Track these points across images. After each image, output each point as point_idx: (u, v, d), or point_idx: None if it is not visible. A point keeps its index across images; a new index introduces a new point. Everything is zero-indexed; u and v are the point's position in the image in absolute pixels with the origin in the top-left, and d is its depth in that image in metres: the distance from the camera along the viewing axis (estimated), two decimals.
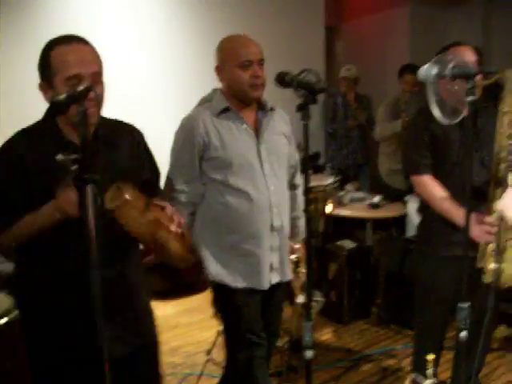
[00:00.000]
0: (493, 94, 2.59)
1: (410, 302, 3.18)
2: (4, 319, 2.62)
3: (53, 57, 2.00)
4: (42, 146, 2.00)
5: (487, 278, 2.54)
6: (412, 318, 3.24)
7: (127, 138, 2.27)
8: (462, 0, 7.29)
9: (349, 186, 5.61)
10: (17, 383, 2.65)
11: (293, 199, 2.95)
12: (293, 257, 3.04)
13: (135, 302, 2.32)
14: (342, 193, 5.28)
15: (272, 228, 2.73)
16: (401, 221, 5.10)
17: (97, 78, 2.03)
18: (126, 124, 2.33)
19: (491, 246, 2.53)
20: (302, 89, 2.07)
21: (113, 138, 2.19)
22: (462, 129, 2.69)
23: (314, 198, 4.77)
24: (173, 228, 2.04)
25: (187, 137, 2.68)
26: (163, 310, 4.55)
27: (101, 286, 1.76)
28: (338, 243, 4.79)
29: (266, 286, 2.77)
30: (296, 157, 2.99)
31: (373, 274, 4.70)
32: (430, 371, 2.42)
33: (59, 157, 1.62)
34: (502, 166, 2.45)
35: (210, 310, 4.38)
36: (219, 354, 3.77)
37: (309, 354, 2.13)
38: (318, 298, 4.05)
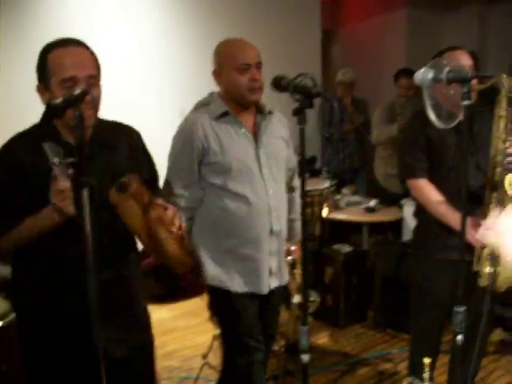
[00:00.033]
0: (489, 98, 2.60)
1: (406, 305, 3.18)
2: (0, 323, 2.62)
3: (50, 59, 2.02)
4: (40, 148, 2.00)
5: (483, 282, 2.54)
6: (408, 321, 3.25)
7: (125, 139, 2.27)
8: (458, 4, 7.30)
9: (345, 190, 5.62)
10: None
11: (290, 202, 2.94)
12: (289, 258, 3.04)
13: (135, 304, 2.33)
14: (338, 197, 5.28)
15: (271, 232, 2.72)
16: (397, 225, 5.10)
17: (92, 80, 2.03)
18: (123, 125, 2.34)
19: (487, 250, 2.54)
20: (298, 93, 2.08)
21: (111, 139, 2.20)
22: (457, 133, 2.70)
23: (310, 202, 4.78)
24: (173, 229, 2.04)
25: (186, 141, 2.66)
26: (159, 314, 4.54)
27: (99, 289, 1.76)
28: (335, 247, 4.79)
29: (265, 290, 2.77)
30: (294, 160, 2.99)
31: (369, 278, 4.70)
32: (426, 375, 2.42)
33: (55, 160, 1.62)
34: (498, 169, 2.46)
35: (206, 314, 4.38)
36: (215, 358, 3.77)
37: (305, 357, 2.13)
38: (314, 297, 4.06)
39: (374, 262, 4.75)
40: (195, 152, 2.64)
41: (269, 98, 2.69)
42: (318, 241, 5.00)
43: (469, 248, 2.52)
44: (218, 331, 3.63)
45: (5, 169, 2.05)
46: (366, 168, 6.45)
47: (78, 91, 1.70)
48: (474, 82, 2.17)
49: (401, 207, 5.02)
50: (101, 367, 1.71)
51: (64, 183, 1.76)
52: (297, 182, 3.01)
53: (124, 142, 2.26)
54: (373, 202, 5.07)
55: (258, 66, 2.65)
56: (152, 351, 2.44)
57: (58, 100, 1.65)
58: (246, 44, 2.69)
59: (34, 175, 2.00)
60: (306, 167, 4.49)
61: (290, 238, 2.97)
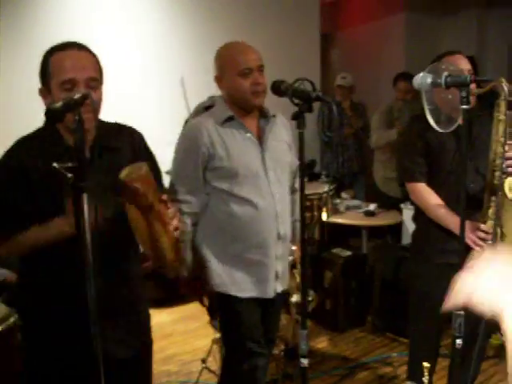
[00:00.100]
0: (488, 102, 2.61)
1: (405, 309, 3.17)
2: None
3: (51, 62, 2.03)
4: (43, 152, 2.01)
5: None
6: (407, 325, 3.24)
7: (127, 140, 2.28)
8: (457, 8, 7.32)
9: (344, 194, 5.62)
10: None
11: (293, 203, 2.93)
12: (290, 258, 3.04)
13: (137, 304, 2.34)
14: (337, 201, 5.29)
15: (279, 236, 2.71)
16: (396, 229, 5.11)
17: (92, 83, 2.04)
18: (125, 126, 2.34)
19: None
20: (298, 97, 2.08)
21: (113, 141, 2.20)
22: (456, 137, 2.70)
23: (309, 206, 4.78)
24: (170, 228, 2.03)
25: (191, 146, 2.64)
26: (158, 318, 4.54)
27: (102, 289, 1.77)
28: (334, 251, 4.78)
29: (271, 294, 2.76)
30: (296, 163, 2.99)
31: (368, 282, 4.70)
32: (425, 379, 2.42)
33: (55, 164, 1.62)
34: (497, 173, 2.46)
35: (205, 318, 4.39)
36: (215, 362, 3.77)
37: (304, 361, 2.13)
38: (311, 297, 4.06)
39: (373, 265, 4.75)
40: (200, 157, 2.62)
41: (269, 101, 2.69)
42: (317, 245, 5.00)
43: (468, 252, 2.53)
44: (217, 335, 3.64)
45: (9, 173, 2.05)
46: (365, 172, 6.46)
47: (77, 95, 1.70)
48: (473, 86, 2.17)
49: (400, 211, 5.02)
50: (100, 367, 1.71)
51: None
52: (298, 184, 3.01)
53: (126, 143, 2.26)
54: (372, 206, 5.07)
55: (260, 68, 2.63)
56: (151, 352, 2.44)
57: (58, 104, 1.65)
58: (246, 47, 2.67)
59: (38, 179, 2.00)
60: (306, 171, 4.49)
61: (291, 239, 2.96)
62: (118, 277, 2.17)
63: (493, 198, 2.51)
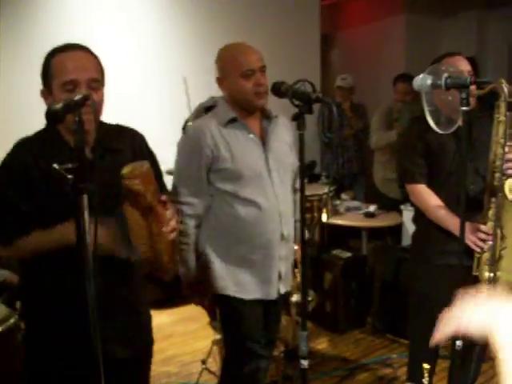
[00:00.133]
0: (488, 103, 2.61)
1: (405, 311, 3.17)
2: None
3: (52, 63, 2.04)
4: (45, 153, 2.01)
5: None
6: (407, 326, 3.24)
7: (128, 141, 2.28)
8: (457, 10, 7.33)
9: (344, 195, 5.62)
10: None
11: (294, 203, 2.93)
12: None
13: (138, 305, 2.34)
14: (337, 202, 5.29)
15: (282, 237, 2.70)
16: (396, 230, 5.11)
17: (94, 84, 2.04)
18: (126, 128, 2.34)
19: (486, 255, 2.54)
20: (298, 99, 2.08)
21: (115, 143, 2.20)
22: (456, 138, 2.70)
23: (309, 207, 4.78)
24: (167, 229, 2.02)
25: (194, 148, 2.62)
26: (158, 319, 4.52)
27: (103, 290, 1.77)
28: (334, 252, 4.78)
29: (274, 296, 2.76)
30: (297, 163, 2.98)
31: (368, 283, 4.70)
32: (425, 380, 2.42)
33: (55, 166, 1.62)
34: (497, 174, 2.46)
35: (205, 320, 4.39)
36: (214, 364, 3.77)
37: (304, 363, 2.13)
38: (311, 296, 4.06)
39: (373, 267, 4.75)
40: (204, 159, 2.60)
41: (269, 102, 2.68)
42: (317, 246, 5.00)
43: (468, 253, 2.53)
44: (217, 336, 3.64)
45: (11, 175, 2.06)
46: (364, 173, 6.46)
47: (78, 96, 1.70)
48: (473, 87, 2.17)
49: (400, 212, 5.02)
50: (100, 368, 1.71)
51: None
52: (298, 185, 3.00)
53: (127, 144, 2.26)
54: (372, 208, 5.07)
55: (262, 69, 2.61)
56: (151, 352, 2.45)
57: (58, 105, 1.65)
58: (248, 48, 2.66)
59: (39, 180, 2.01)
60: (306, 172, 4.50)
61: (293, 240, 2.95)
62: (119, 277, 2.17)
63: (493, 200, 2.51)
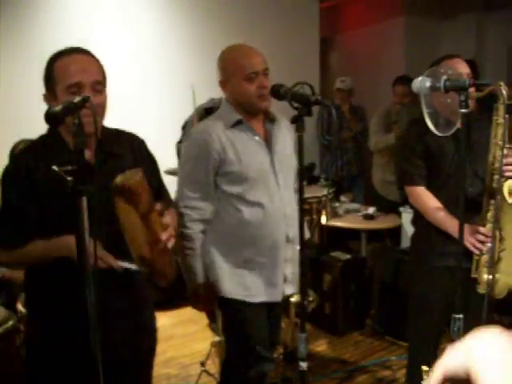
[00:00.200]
0: (487, 105, 2.61)
1: (404, 313, 3.18)
2: None
3: (55, 67, 2.04)
4: (46, 156, 2.01)
5: (481, 289, 2.55)
6: (406, 328, 3.24)
7: (129, 146, 2.28)
8: (456, 12, 7.33)
9: (343, 198, 5.62)
10: None
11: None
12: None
13: (142, 306, 2.35)
14: (336, 204, 5.29)
15: (287, 239, 2.69)
16: (395, 232, 5.11)
17: (98, 86, 2.06)
18: (126, 133, 2.34)
19: (485, 257, 2.54)
20: (297, 101, 2.08)
21: (116, 147, 2.21)
22: (455, 140, 2.70)
23: (308, 209, 4.78)
24: (163, 237, 2.02)
25: (202, 153, 2.60)
26: (158, 321, 4.52)
27: (108, 292, 1.83)
28: (333, 254, 4.78)
29: (280, 298, 2.75)
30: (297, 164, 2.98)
31: (367, 285, 4.70)
32: (424, 382, 2.42)
33: (54, 167, 1.62)
34: (496, 176, 2.47)
35: (204, 322, 4.39)
36: (214, 366, 3.77)
37: (303, 365, 2.13)
38: (312, 297, 4.06)
39: (373, 269, 4.75)
40: (212, 164, 2.58)
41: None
42: (316, 248, 4.99)
43: (467, 255, 2.53)
44: (216, 338, 3.64)
45: (15, 180, 2.06)
46: (363, 175, 6.46)
47: (77, 98, 1.71)
48: (472, 89, 2.18)
49: (399, 214, 5.02)
50: (99, 368, 1.71)
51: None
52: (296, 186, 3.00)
53: (128, 149, 2.26)
54: (371, 210, 5.07)
55: (265, 72, 2.59)
56: (154, 353, 2.46)
57: (58, 107, 1.65)
58: (251, 50, 2.64)
59: (43, 183, 2.01)
60: (305, 174, 4.50)
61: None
62: (122, 278, 2.17)
63: (492, 202, 2.52)
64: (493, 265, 2.51)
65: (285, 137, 2.78)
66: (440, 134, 2.40)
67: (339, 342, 4.56)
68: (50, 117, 1.61)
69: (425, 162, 2.84)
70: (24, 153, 2.15)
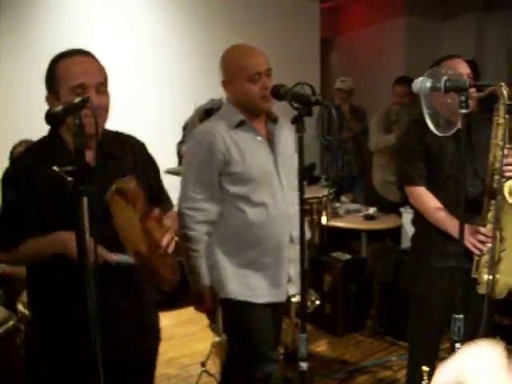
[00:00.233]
0: (487, 106, 2.61)
1: (404, 313, 3.17)
2: None
3: (58, 69, 2.04)
4: (47, 157, 2.01)
5: (481, 289, 2.55)
6: (407, 329, 3.24)
7: (129, 149, 2.28)
8: (457, 12, 7.33)
9: (343, 198, 5.62)
10: None
11: None
12: None
13: (145, 305, 2.35)
14: (337, 204, 5.29)
15: (291, 240, 2.67)
16: (396, 232, 5.11)
17: (101, 88, 2.07)
18: (126, 135, 2.35)
19: (485, 258, 2.54)
20: (297, 102, 2.08)
21: (116, 150, 2.21)
22: (456, 141, 2.70)
23: (309, 210, 4.78)
24: (163, 243, 2.02)
25: (206, 154, 2.58)
26: None
27: (112, 292, 1.89)
28: (333, 255, 4.78)
29: (284, 298, 2.74)
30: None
31: (367, 286, 4.70)
32: (425, 383, 2.42)
33: (55, 168, 1.62)
34: (497, 177, 2.46)
35: (204, 322, 4.39)
36: (214, 366, 3.77)
37: (304, 365, 2.13)
38: (314, 297, 4.06)
39: (373, 269, 4.75)
40: (216, 164, 2.57)
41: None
42: (316, 248, 4.99)
43: (467, 255, 2.53)
44: (216, 339, 3.64)
45: (16, 182, 2.06)
46: (364, 175, 6.46)
47: (77, 99, 1.71)
48: (472, 90, 2.18)
49: (399, 215, 5.02)
50: (99, 368, 1.71)
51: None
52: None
53: (129, 152, 2.27)
54: (372, 210, 5.07)
55: (268, 72, 2.58)
56: (157, 352, 2.46)
57: (58, 108, 1.65)
58: (254, 51, 2.62)
59: (43, 184, 2.01)
60: (306, 174, 4.49)
61: None
62: (125, 277, 2.17)
63: (492, 202, 2.52)
64: (493, 265, 2.50)
65: (286, 137, 2.77)
66: (440, 135, 2.40)
67: (339, 342, 4.56)
68: (50, 117, 1.61)
69: (425, 163, 2.84)
70: (24, 154, 2.16)
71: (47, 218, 2.01)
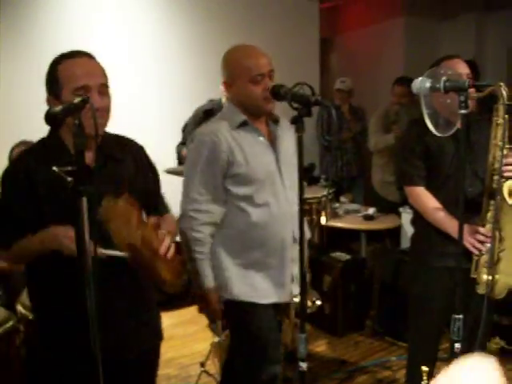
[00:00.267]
0: (487, 106, 2.61)
1: (404, 313, 3.18)
2: None
3: (60, 70, 2.03)
4: (46, 158, 2.01)
5: (481, 289, 2.55)
6: (406, 329, 3.24)
7: (130, 152, 2.29)
8: (456, 12, 7.33)
9: (343, 198, 5.62)
10: None
11: None
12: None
13: (147, 304, 2.35)
14: (336, 204, 5.29)
15: (294, 239, 2.66)
16: (395, 232, 5.11)
17: (104, 89, 2.07)
18: (126, 138, 2.35)
19: (484, 257, 2.55)
20: (297, 102, 2.08)
21: (117, 152, 2.21)
22: (455, 141, 2.70)
23: (308, 210, 4.78)
24: (161, 250, 2.02)
25: (210, 154, 2.55)
26: None
27: (114, 292, 1.91)
28: (333, 255, 4.78)
29: (288, 298, 2.73)
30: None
31: (367, 286, 4.70)
32: (424, 383, 2.42)
33: (54, 168, 1.62)
34: (496, 177, 2.47)
35: (203, 322, 4.39)
36: (213, 366, 3.77)
37: (303, 365, 2.13)
38: (314, 298, 4.05)
39: (373, 269, 4.75)
40: (220, 165, 2.55)
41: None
42: (316, 248, 4.99)
43: (466, 255, 2.53)
44: (216, 339, 3.64)
45: (15, 183, 2.06)
46: (363, 176, 6.46)
47: (77, 99, 1.71)
48: (472, 90, 2.18)
49: (399, 215, 5.02)
50: (99, 368, 1.71)
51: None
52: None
53: (129, 155, 2.27)
54: (371, 210, 5.07)
55: (271, 73, 2.55)
56: (159, 354, 2.46)
57: (58, 108, 1.65)
58: (257, 52, 2.59)
59: (42, 185, 2.01)
60: (305, 174, 4.50)
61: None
62: (128, 277, 2.17)
63: (491, 202, 2.52)
64: (492, 265, 2.50)
65: (287, 137, 2.75)
66: (440, 135, 2.40)
67: (339, 342, 4.56)
68: (50, 117, 1.61)
69: (424, 163, 2.84)
70: (24, 155, 2.15)
71: (47, 218, 2.01)
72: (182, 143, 4.59)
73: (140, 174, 2.27)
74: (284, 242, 2.65)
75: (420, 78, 2.19)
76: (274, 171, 2.64)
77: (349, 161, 6.40)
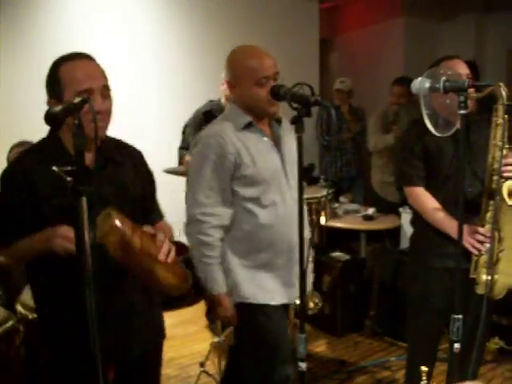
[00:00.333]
0: (486, 106, 2.61)
1: (403, 313, 3.18)
2: None
3: (62, 73, 2.02)
4: (45, 158, 2.01)
5: (480, 290, 2.55)
6: (406, 329, 3.24)
7: (130, 157, 2.28)
8: (456, 13, 7.34)
9: (342, 198, 5.63)
10: None
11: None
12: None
13: (151, 302, 2.35)
14: (336, 205, 5.29)
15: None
16: (395, 233, 5.11)
17: (106, 91, 2.06)
18: (125, 143, 2.35)
19: (484, 258, 2.55)
20: (296, 102, 2.08)
21: (117, 155, 2.21)
22: (455, 141, 2.71)
23: (308, 210, 4.77)
24: (161, 257, 2.02)
25: (217, 157, 2.52)
26: None
27: (117, 292, 1.92)
28: (332, 255, 4.78)
29: (297, 298, 2.70)
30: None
31: (366, 286, 4.70)
32: (423, 383, 2.42)
33: (54, 168, 1.62)
34: (495, 177, 2.47)
35: (203, 322, 4.39)
36: (213, 366, 3.77)
37: (303, 365, 2.13)
38: (317, 300, 4.05)
39: (372, 269, 4.75)
40: (227, 167, 2.51)
41: None
42: (315, 249, 4.99)
43: (466, 255, 2.54)
44: (215, 339, 3.64)
45: (13, 183, 2.06)
46: (363, 176, 6.46)
47: (77, 100, 1.71)
48: (471, 90, 2.18)
49: (398, 215, 5.03)
50: (99, 367, 1.72)
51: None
52: None
53: (129, 159, 2.27)
54: (371, 210, 5.07)
55: (275, 76, 2.51)
56: (162, 353, 2.46)
57: (57, 108, 1.65)
58: (262, 53, 2.56)
59: (41, 186, 2.01)
60: (305, 175, 4.50)
61: None
62: (129, 276, 2.17)
63: (491, 202, 2.52)
64: (491, 265, 2.51)
65: (289, 137, 2.74)
66: (439, 135, 2.40)
67: (338, 342, 4.56)
68: (49, 117, 1.61)
69: (424, 163, 2.84)
70: (23, 155, 2.15)
71: (46, 218, 2.01)
72: (183, 147, 4.55)
73: (138, 179, 2.27)
74: (291, 242, 2.60)
75: (419, 78, 2.19)
76: (279, 171, 2.62)
77: (348, 161, 6.40)
